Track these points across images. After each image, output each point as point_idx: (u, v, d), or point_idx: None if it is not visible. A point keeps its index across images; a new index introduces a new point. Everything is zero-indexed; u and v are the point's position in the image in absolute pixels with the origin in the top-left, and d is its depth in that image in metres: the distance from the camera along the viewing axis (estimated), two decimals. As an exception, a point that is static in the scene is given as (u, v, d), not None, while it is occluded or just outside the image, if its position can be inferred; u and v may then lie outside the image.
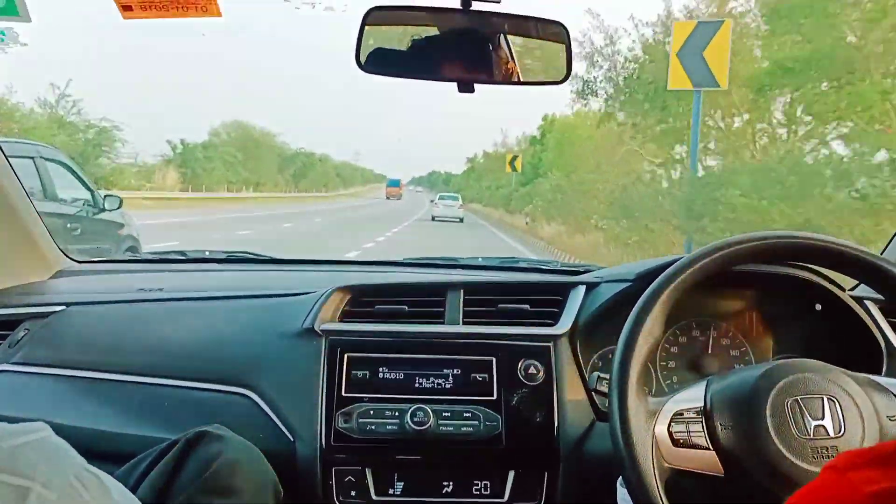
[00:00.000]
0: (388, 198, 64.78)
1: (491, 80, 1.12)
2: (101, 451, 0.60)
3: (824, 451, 0.91)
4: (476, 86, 1.12)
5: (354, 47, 1.06)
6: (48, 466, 0.52)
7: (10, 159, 1.57)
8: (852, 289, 1.37)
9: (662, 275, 1.04)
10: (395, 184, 72.14)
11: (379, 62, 1.10)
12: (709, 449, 0.96)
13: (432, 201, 33.53)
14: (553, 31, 1.15)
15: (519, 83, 1.15)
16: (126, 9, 1.11)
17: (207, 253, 1.99)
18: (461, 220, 28.01)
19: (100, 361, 1.36)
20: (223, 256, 1.96)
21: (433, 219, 27.91)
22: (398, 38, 1.13)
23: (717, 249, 1.04)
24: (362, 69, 1.08)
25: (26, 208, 1.63)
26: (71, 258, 1.81)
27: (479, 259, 1.99)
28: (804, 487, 0.56)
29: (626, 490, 1.01)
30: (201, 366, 1.34)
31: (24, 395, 1.34)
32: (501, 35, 1.13)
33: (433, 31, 1.13)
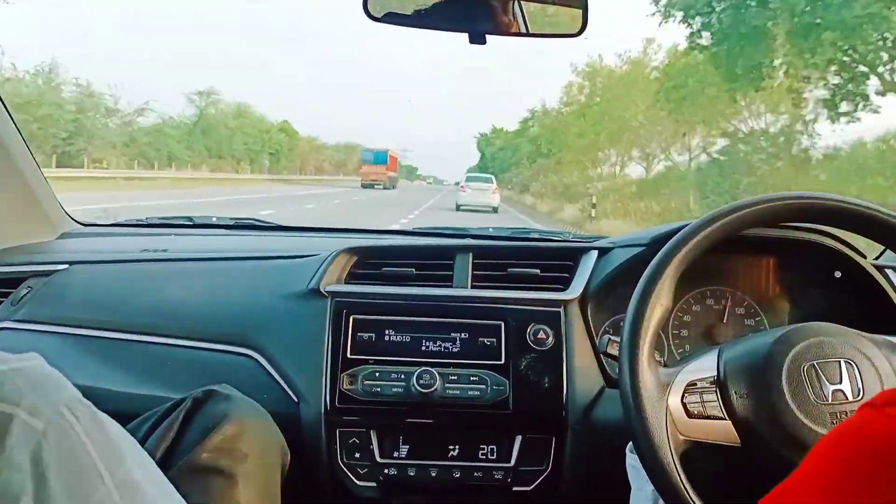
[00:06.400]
0: (363, 185, 39.16)
1: (503, 32, 1.08)
2: (104, 410, 0.58)
3: (843, 416, 0.87)
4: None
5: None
6: (36, 394, 0.49)
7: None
8: (877, 257, 1.33)
9: (671, 241, 1.00)
10: (378, 159, 41.37)
11: (387, 11, 1.07)
12: (724, 419, 0.93)
13: (458, 183, 26.23)
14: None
15: (533, 35, 1.11)
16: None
17: (215, 219, 1.97)
18: (495, 210, 22.03)
19: (103, 320, 1.34)
20: (230, 222, 1.95)
21: (458, 208, 21.55)
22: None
23: (725, 214, 0.99)
24: (369, 17, 1.04)
25: (32, 169, 1.61)
26: (76, 220, 1.79)
27: (490, 229, 1.95)
28: (841, 425, 0.53)
29: (634, 456, 0.99)
30: (205, 326, 1.32)
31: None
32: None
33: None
